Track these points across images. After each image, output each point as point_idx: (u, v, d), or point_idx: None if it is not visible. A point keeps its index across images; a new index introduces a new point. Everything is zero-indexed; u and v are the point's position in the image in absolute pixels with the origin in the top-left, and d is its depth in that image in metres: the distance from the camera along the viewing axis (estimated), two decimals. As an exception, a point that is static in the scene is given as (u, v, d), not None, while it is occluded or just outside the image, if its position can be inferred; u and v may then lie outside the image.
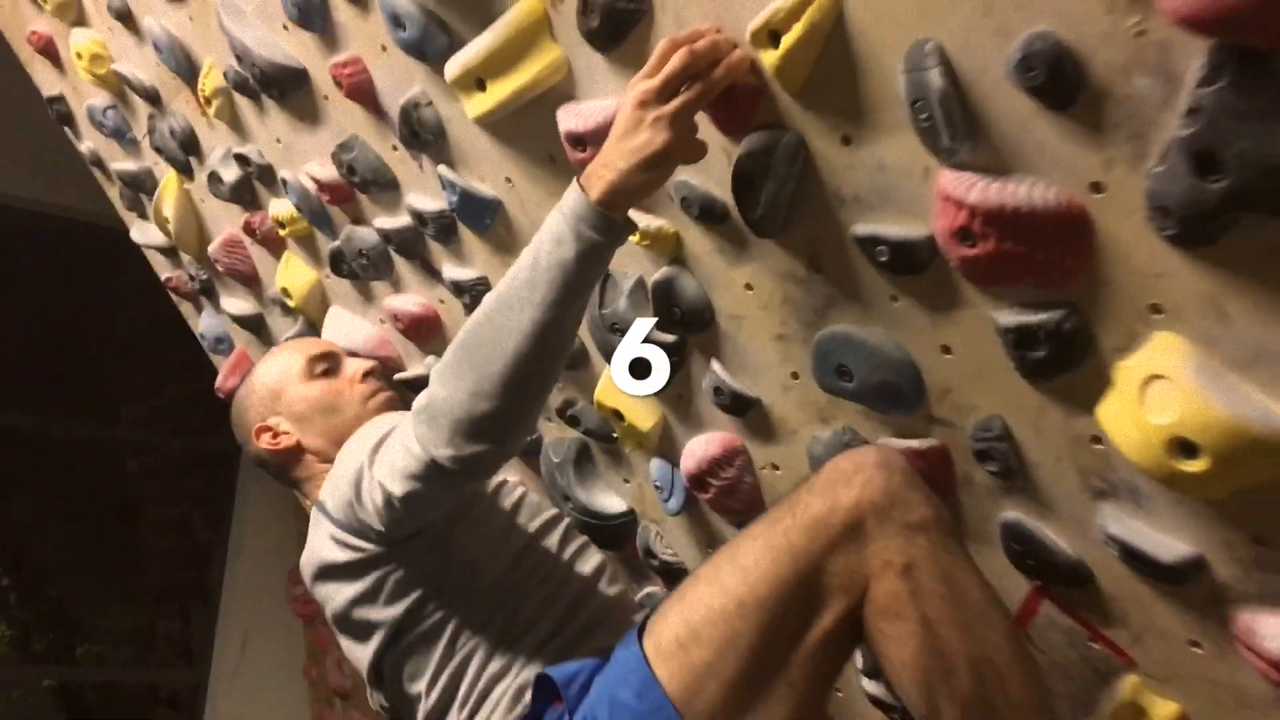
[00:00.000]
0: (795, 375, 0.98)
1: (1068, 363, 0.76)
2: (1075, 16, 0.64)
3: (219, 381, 1.87)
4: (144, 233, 1.82)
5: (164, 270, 1.87)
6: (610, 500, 1.27)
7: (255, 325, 1.73)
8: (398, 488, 0.93)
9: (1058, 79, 0.66)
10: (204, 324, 1.86)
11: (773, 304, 0.95)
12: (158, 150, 1.63)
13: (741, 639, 0.84)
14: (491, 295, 0.88)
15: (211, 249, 1.66)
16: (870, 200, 0.82)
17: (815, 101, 0.81)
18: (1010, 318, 0.78)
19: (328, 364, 1.23)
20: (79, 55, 1.62)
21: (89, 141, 1.81)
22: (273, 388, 1.22)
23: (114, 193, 1.85)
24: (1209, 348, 0.69)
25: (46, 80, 1.80)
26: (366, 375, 1.22)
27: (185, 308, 1.92)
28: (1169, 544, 0.78)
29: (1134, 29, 0.62)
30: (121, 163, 1.75)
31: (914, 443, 0.91)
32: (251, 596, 3.98)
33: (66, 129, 1.86)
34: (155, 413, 4.80)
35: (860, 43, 0.76)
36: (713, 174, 0.91)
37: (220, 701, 3.89)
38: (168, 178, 1.66)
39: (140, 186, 1.74)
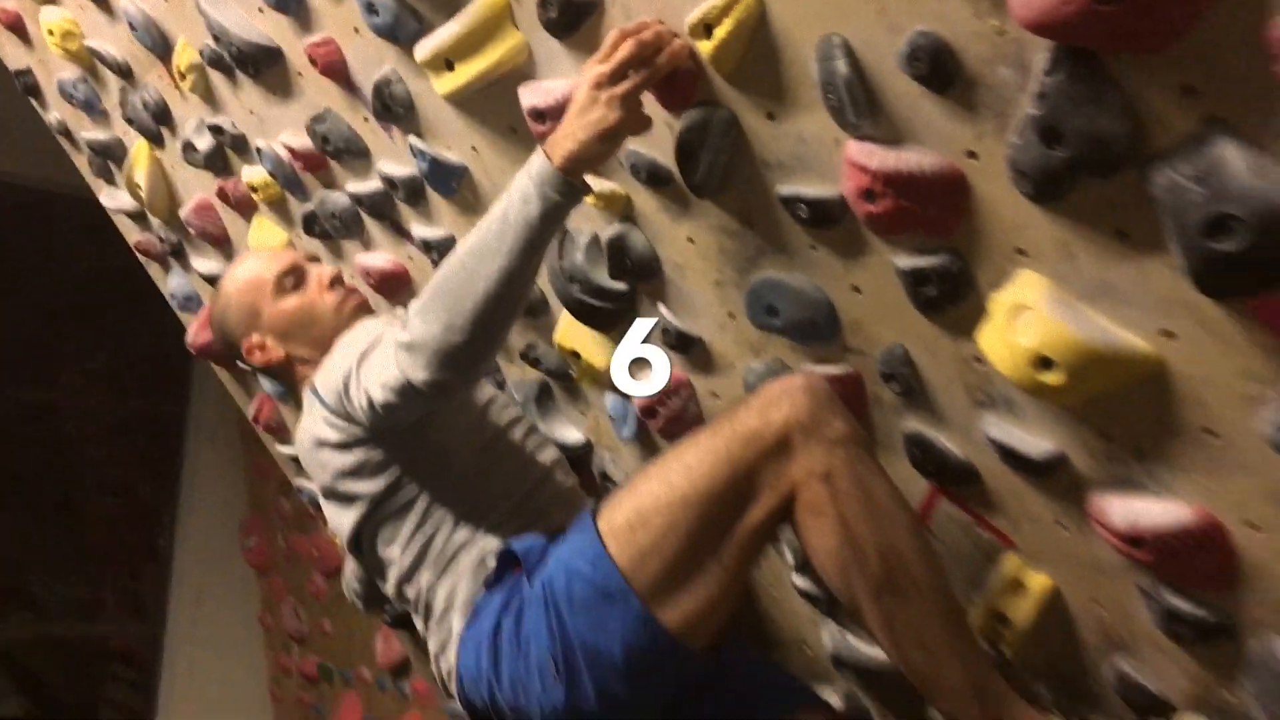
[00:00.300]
0: (731, 315, 1.14)
1: (953, 298, 0.93)
2: (950, 18, 0.80)
3: (190, 337, 1.98)
4: (113, 198, 1.92)
5: (132, 234, 1.98)
6: (569, 432, 1.43)
7: (225, 284, 1.85)
8: (379, 396, 1.09)
9: (937, 68, 0.82)
10: (173, 284, 1.97)
11: (711, 255, 1.11)
12: (129, 121, 1.73)
13: (682, 526, 1.02)
14: (463, 244, 1.02)
15: (183, 213, 1.78)
16: (792, 166, 0.98)
17: (744, 84, 0.96)
18: (907, 262, 0.94)
19: (294, 277, 1.36)
20: (50, 32, 1.71)
21: (56, 112, 1.90)
22: (249, 307, 1.35)
23: (82, 161, 1.94)
24: (1062, 283, 0.86)
25: (13, 55, 1.88)
26: (333, 283, 1.35)
27: (154, 269, 2.03)
28: (1037, 443, 0.96)
29: (996, 30, 0.78)
30: (91, 132, 1.84)
31: (832, 369, 1.08)
32: (205, 552, 4.10)
33: (32, 100, 1.94)
34: (91, 376, 4.82)
35: (780, 36, 0.91)
36: (658, 145, 1.07)
37: (179, 653, 4.02)
38: (138, 146, 1.76)
39: (110, 155, 1.84)
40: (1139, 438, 0.89)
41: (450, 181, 1.31)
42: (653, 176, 1.08)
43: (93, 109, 1.79)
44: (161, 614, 4.10)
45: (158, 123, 1.68)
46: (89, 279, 4.53)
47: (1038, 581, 1.05)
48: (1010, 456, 0.98)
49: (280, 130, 1.49)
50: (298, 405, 1.85)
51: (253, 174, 1.59)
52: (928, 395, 1.02)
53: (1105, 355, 0.85)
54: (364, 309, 1.35)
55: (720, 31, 0.93)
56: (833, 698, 1.32)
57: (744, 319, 1.12)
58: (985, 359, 0.93)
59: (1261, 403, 0.80)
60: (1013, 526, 1.04)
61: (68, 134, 1.92)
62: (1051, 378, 0.87)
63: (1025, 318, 0.88)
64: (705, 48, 0.95)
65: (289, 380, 1.38)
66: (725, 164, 1.01)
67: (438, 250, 1.40)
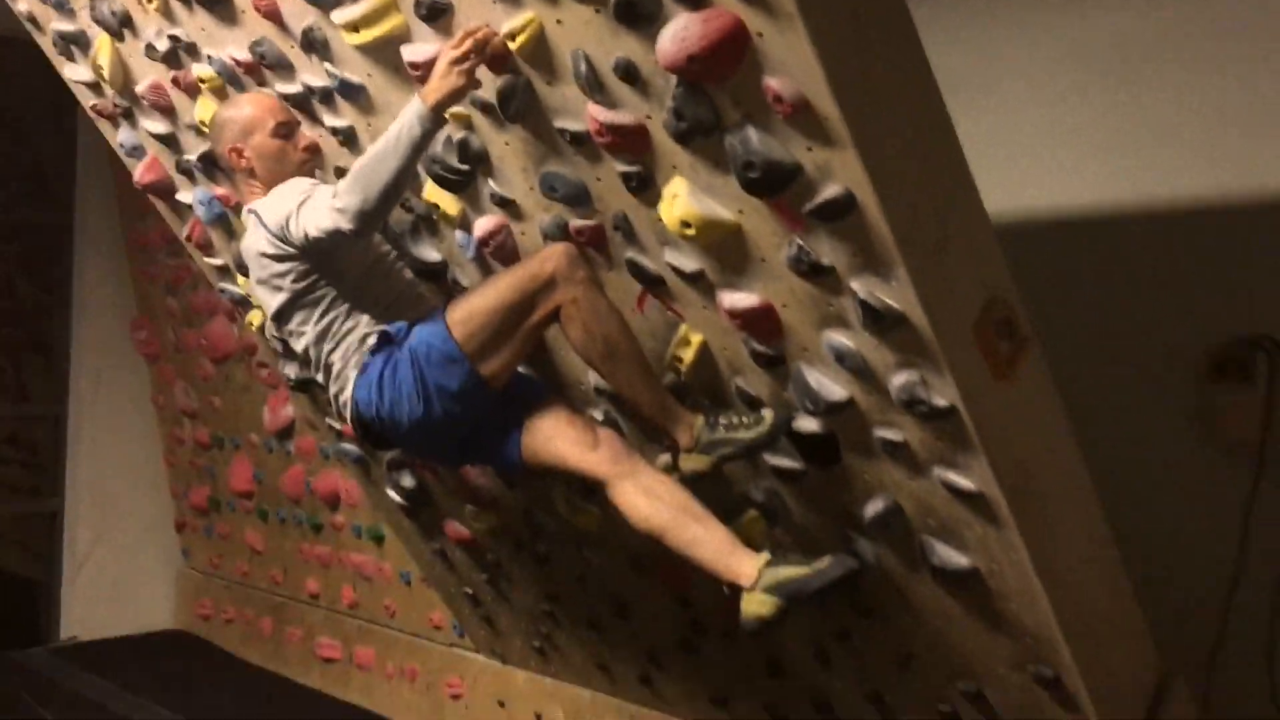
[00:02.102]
0: (532, 189, 1.94)
1: (646, 187, 1.75)
2: (634, 52, 1.59)
3: (137, 177, 2.65)
4: (74, 72, 2.54)
5: (89, 99, 2.60)
6: (431, 254, 2.23)
7: (168, 140, 2.52)
8: (313, 233, 1.84)
9: (629, 74, 1.62)
10: (122, 136, 2.62)
11: (519, 154, 1.90)
12: (97, 22, 2.35)
13: (495, 321, 1.86)
14: (372, 149, 1.79)
15: (139, 89, 2.43)
16: (561, 111, 1.77)
17: (535, 64, 1.73)
18: (620, 167, 1.76)
19: (288, 129, 2.06)
20: (30, -49, 2.29)
21: (24, 4, 2.48)
22: (248, 128, 2.04)
23: (45, 41, 2.54)
24: (693, 183, 1.69)
25: (-13, -43, 2.44)
26: (309, 149, 2.09)
27: (104, 125, 2.67)
28: (690, 264, 1.80)
29: (654, 61, 1.58)
30: (59, 23, 2.45)
31: (587, 222, 1.90)
32: (99, 343, 4.73)
33: (1, -11, 2.51)
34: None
35: (554, 46, 1.68)
36: (487, 90, 1.83)
37: (82, 429, 4.71)
38: (102, 39, 2.38)
39: (75, 42, 2.45)
40: (733, 262, 1.75)
41: (353, 93, 2.04)
42: (485, 107, 1.86)
43: (62, 8, 2.39)
44: (60, 399, 4.75)
45: (121, 26, 2.31)
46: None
47: (696, 338, 1.93)
48: (677, 271, 1.83)
49: (226, 45, 2.17)
50: (225, 229, 2.57)
51: (201, 69, 2.26)
52: (637, 237, 1.86)
53: (713, 220, 1.69)
54: (312, 173, 2.09)
55: (521, 38, 1.70)
56: (596, 414, 2.21)
57: (539, 192, 1.92)
58: (662, 220, 1.77)
59: (782, 246, 1.67)
60: (684, 309, 1.91)
61: (34, 21, 2.51)
62: (689, 231, 1.72)
63: (676, 201, 1.72)
64: (513, 45, 1.72)
65: (235, 182, 2.12)
66: (525, 104, 1.80)
67: (341, 135, 2.13)
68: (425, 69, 1.84)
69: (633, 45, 1.59)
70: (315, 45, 2.00)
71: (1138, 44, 2.64)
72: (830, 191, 1.53)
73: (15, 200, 4.91)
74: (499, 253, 2.07)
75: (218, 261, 2.78)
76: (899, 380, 1.69)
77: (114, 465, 4.78)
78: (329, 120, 2.14)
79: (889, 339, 1.65)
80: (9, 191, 4.99)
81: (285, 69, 2.11)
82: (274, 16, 2.02)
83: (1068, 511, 1.92)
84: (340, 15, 1.89)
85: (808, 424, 1.86)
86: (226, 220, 2.60)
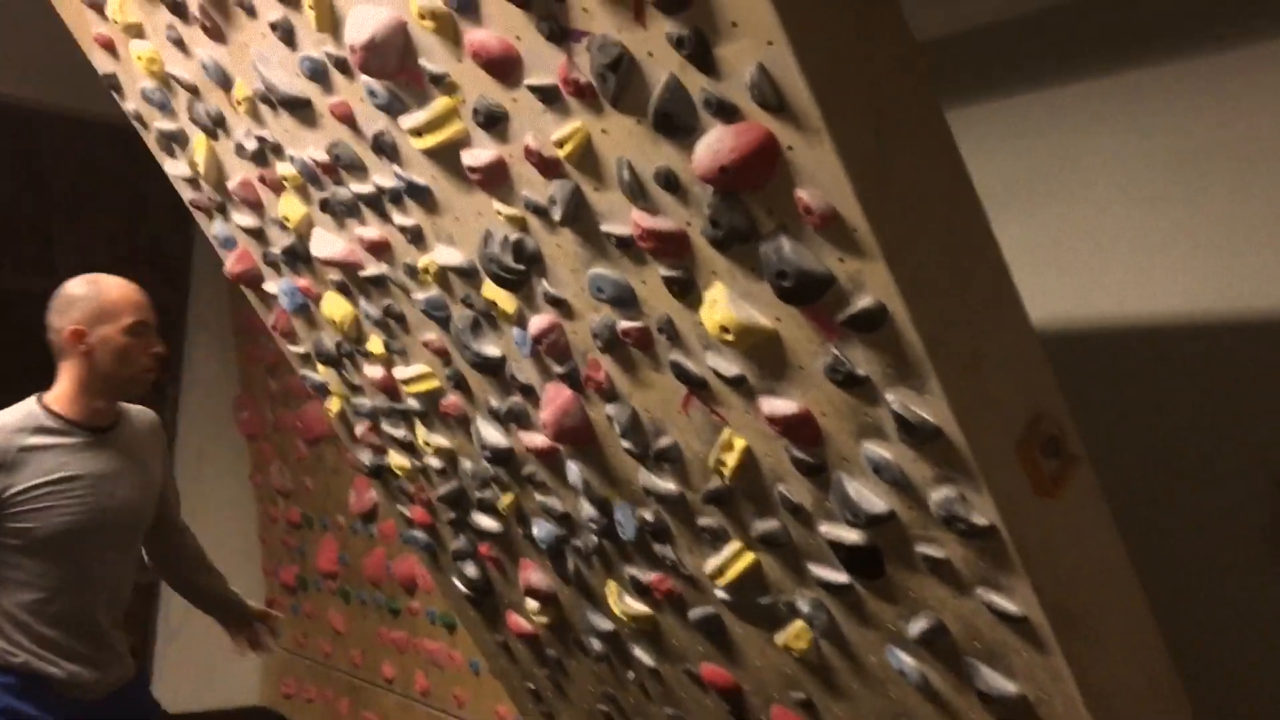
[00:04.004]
0: (582, 289, 1.97)
1: (687, 291, 1.77)
2: (674, 161, 1.62)
3: (227, 268, 2.78)
4: (175, 168, 2.69)
5: (187, 193, 2.76)
6: (491, 349, 2.27)
7: (257, 234, 2.65)
8: None
9: (669, 183, 1.64)
10: (216, 229, 2.76)
11: (570, 254, 1.93)
12: (194, 122, 2.50)
13: None
14: None
15: (231, 185, 2.56)
16: (608, 215, 1.80)
17: (584, 171, 1.78)
18: (664, 271, 1.77)
19: (143, 331, 2.05)
20: (138, 57, 2.46)
21: (132, 103, 2.66)
22: (104, 312, 2.04)
23: (150, 138, 2.71)
24: (731, 289, 1.70)
25: (103, 63, 2.63)
26: (157, 355, 2.10)
27: (201, 218, 2.82)
28: (730, 368, 1.81)
29: (693, 170, 1.61)
30: (161, 123, 2.61)
31: (634, 324, 1.92)
32: (204, 420, 4.92)
33: (113, 91, 2.70)
34: (90, 269, 5.45)
35: (599, 153, 1.73)
36: (540, 194, 1.88)
37: (183, 505, 4.87)
38: (199, 138, 2.53)
39: (174, 140, 2.61)
40: (772, 367, 1.75)
41: (419, 194, 2.12)
42: (537, 210, 1.91)
43: (165, 108, 2.55)
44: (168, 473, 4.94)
45: (215, 126, 2.46)
46: (89, 184, 5.17)
47: (739, 442, 1.92)
48: (719, 375, 1.83)
49: (306, 146, 2.28)
50: (307, 318, 2.67)
51: (285, 169, 2.37)
52: (681, 340, 1.87)
53: (751, 327, 1.69)
54: (151, 383, 2.13)
55: (568, 146, 1.75)
56: (646, 514, 2.20)
57: (588, 293, 1.95)
58: (703, 324, 1.78)
59: (817, 355, 1.66)
60: (727, 412, 1.91)
61: (140, 120, 2.68)
62: (729, 337, 1.72)
63: (716, 307, 1.72)
64: (561, 152, 1.77)
65: (56, 369, 2.14)
66: (574, 209, 1.84)
67: (410, 234, 2.21)
68: (483, 172, 1.90)
69: (671, 154, 1.62)
70: (385, 148, 2.08)
71: (1196, 145, 2.57)
72: (862, 302, 1.52)
73: (138, 282, 5.19)
74: (552, 350, 2.10)
75: (300, 349, 2.88)
76: (938, 495, 1.64)
77: (212, 541, 4.85)
78: (398, 219, 2.22)
79: (926, 452, 1.61)
80: (133, 272, 5.28)
81: (358, 169, 2.21)
82: (349, 120, 2.12)
83: (1122, 639, 1.82)
84: (407, 121, 1.97)
85: (850, 535, 1.82)
86: (308, 310, 2.70)
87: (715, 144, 1.52)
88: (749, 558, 2.05)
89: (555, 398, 2.19)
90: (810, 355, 1.67)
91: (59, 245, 5.56)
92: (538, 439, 2.32)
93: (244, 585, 4.95)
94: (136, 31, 2.45)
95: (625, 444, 2.12)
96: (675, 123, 1.56)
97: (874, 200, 1.45)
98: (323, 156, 2.25)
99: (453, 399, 2.50)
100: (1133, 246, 2.74)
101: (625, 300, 1.89)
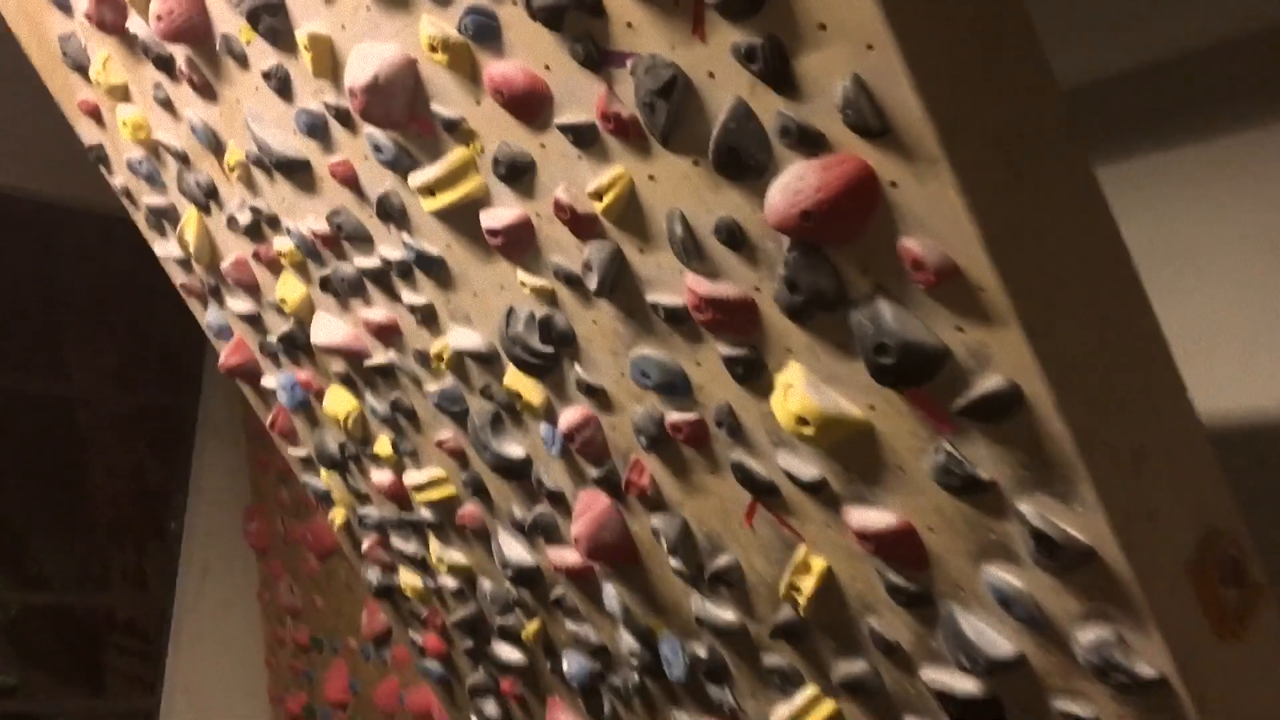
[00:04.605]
0: (623, 374, 1.64)
1: (754, 375, 1.43)
2: (738, 209, 1.30)
3: (222, 360, 2.47)
4: (164, 248, 2.41)
5: (179, 276, 2.47)
6: (514, 449, 1.93)
7: (253, 321, 2.35)
8: None
9: (732, 237, 1.32)
10: (210, 317, 2.46)
11: (608, 334, 1.61)
12: (184, 194, 2.22)
13: None
14: None
15: (224, 266, 2.27)
16: (655, 282, 1.48)
17: (625, 229, 1.46)
18: (726, 350, 1.44)
19: None
20: (124, 124, 2.19)
21: (120, 178, 2.39)
22: None
23: (140, 217, 2.43)
24: (811, 371, 1.36)
25: (89, 133, 2.37)
26: None
27: (194, 305, 2.52)
28: (808, 470, 1.45)
29: (762, 220, 1.28)
30: (150, 197, 2.33)
31: (687, 416, 1.57)
32: (210, 532, 4.60)
33: (100, 165, 2.43)
34: (103, 372, 5.27)
35: (645, 205, 1.41)
36: (572, 259, 1.56)
37: (184, 623, 4.53)
38: (190, 213, 2.25)
39: (165, 217, 2.33)
40: (863, 469, 1.39)
41: (431, 266, 1.80)
42: (569, 279, 1.58)
43: (154, 180, 2.28)
44: (169, 588, 4.60)
45: (207, 198, 2.17)
46: (100, 282, 4.99)
47: (818, 564, 1.55)
48: (794, 479, 1.48)
49: (305, 216, 1.98)
50: (309, 416, 2.35)
51: (282, 243, 2.08)
52: (744, 436, 1.52)
53: (836, 418, 1.35)
54: None
55: (607, 198, 1.43)
56: (700, 650, 1.82)
57: (630, 379, 1.62)
58: (774, 415, 1.43)
59: (924, 452, 1.30)
60: (801, 525, 1.55)
61: (129, 196, 2.41)
62: (807, 430, 1.37)
63: (792, 392, 1.38)
64: (598, 206, 1.45)
65: None
66: (614, 277, 1.51)
67: (420, 314, 1.89)
68: (505, 235, 1.59)
69: (737, 201, 1.29)
70: (393, 213, 1.78)
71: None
72: (988, 383, 1.17)
73: (149, 382, 4.95)
74: (586, 449, 1.76)
75: (301, 452, 2.56)
76: (1087, 637, 1.26)
77: (214, 664, 4.56)
78: (407, 297, 1.91)
79: (1071, 581, 1.24)
80: (145, 373, 5.05)
81: (363, 241, 1.90)
82: (351, 182, 1.82)
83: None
84: (417, 178, 1.67)
85: (963, 684, 1.43)
86: (309, 407, 2.38)
87: (794, 183, 1.19)
88: (828, 707, 1.66)
89: (590, 507, 1.83)
90: (914, 453, 1.31)
91: (70, 347, 5.36)
92: (569, 556, 1.96)
93: (248, 713, 4.59)
94: (122, 94, 2.19)
95: (674, 563, 1.76)
96: (743, 160, 1.24)
97: (1008, 250, 1.11)
98: (323, 227, 1.95)
99: (470, 508, 2.15)
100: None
101: (676, 387, 1.55)
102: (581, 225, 1.50)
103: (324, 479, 2.53)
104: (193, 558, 4.57)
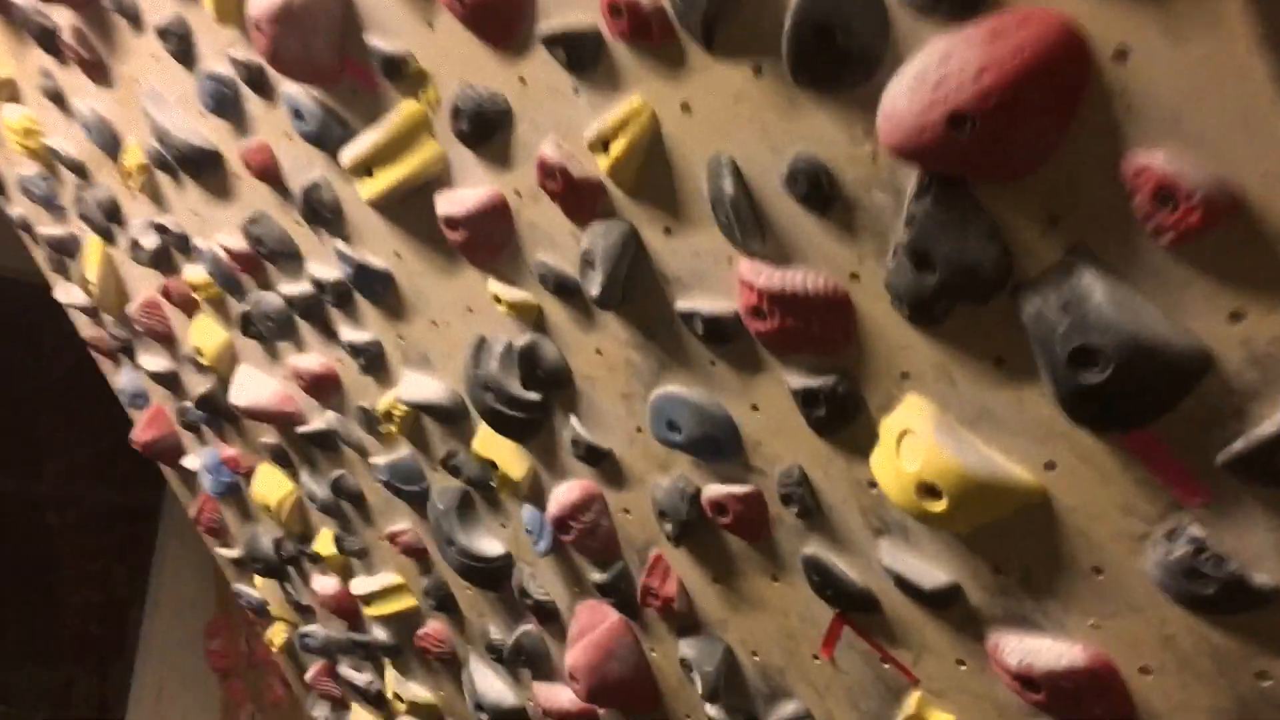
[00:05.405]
0: (639, 429, 1.12)
1: (844, 419, 0.91)
2: (827, 141, 0.80)
3: (134, 434, 1.97)
4: (67, 293, 1.92)
5: (86, 329, 1.98)
6: (489, 544, 1.40)
7: (170, 382, 1.84)
8: None
9: (816, 190, 0.82)
10: (123, 379, 1.96)
11: (618, 367, 1.09)
12: (83, 218, 1.74)
13: None
14: None
15: (130, 309, 1.78)
16: (689, 281, 0.97)
17: (642, 198, 0.96)
18: (798, 381, 0.93)
19: None
20: (12, 130, 1.73)
21: (18, 207, 1.92)
22: None
23: (40, 255, 1.96)
24: (944, 407, 0.84)
25: (-22, 153, 1.91)
26: None
27: (105, 364, 2.02)
28: (931, 573, 0.93)
29: (869, 154, 0.78)
30: (48, 227, 1.86)
31: (735, 488, 1.05)
32: (168, 649, 4.02)
33: (-4, 195, 1.97)
34: (75, 467, 4.81)
35: (674, 153, 0.91)
36: (565, 255, 1.06)
37: (133, 757, 3.91)
38: (91, 242, 1.77)
39: (65, 250, 1.85)
40: (1029, 571, 0.86)
41: (375, 286, 1.30)
42: (560, 286, 1.08)
43: (51, 204, 1.81)
44: (121, 710, 4.01)
45: (108, 219, 1.70)
46: (74, 369, 4.54)
47: (939, 718, 1.01)
48: (905, 586, 0.94)
49: (220, 230, 1.49)
50: (239, 505, 1.83)
51: (194, 273, 1.59)
52: (825, 518, 0.99)
53: (988, 483, 0.82)
54: None
55: (616, 148, 0.93)
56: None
57: (650, 434, 1.10)
58: (875, 481, 0.91)
59: (1145, 540, 0.77)
60: (914, 660, 1.00)
61: (29, 229, 1.94)
62: (936, 505, 0.84)
63: (910, 442, 0.86)
64: (603, 163, 0.95)
65: None
66: (627, 275, 1.00)
67: (364, 355, 1.38)
68: (469, 228, 1.09)
69: (826, 128, 0.79)
70: (321, 212, 1.29)
71: None
72: (1291, 411, 0.65)
73: (118, 480, 4.47)
74: (587, 542, 1.23)
75: (231, 554, 2.02)
76: None
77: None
78: (347, 333, 1.41)
79: None
80: (113, 471, 4.57)
81: (288, 258, 1.41)
82: (269, 174, 1.34)
83: None
84: (349, 152, 1.18)
85: None
86: (238, 492, 1.86)
87: (935, 70, 0.69)
88: None
89: (591, 626, 1.29)
90: (1126, 542, 0.78)
91: (44, 443, 4.91)
92: (562, 696, 1.41)
93: None
94: (9, 93, 1.74)
95: (712, 711, 1.21)
96: (840, 49, 0.75)
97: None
98: (239, 244, 1.46)
99: (434, 626, 1.61)
100: None
101: (719, 444, 1.03)
102: (579, 197, 1.00)
103: (259, 587, 1.99)
104: (147, 678, 3.98)
